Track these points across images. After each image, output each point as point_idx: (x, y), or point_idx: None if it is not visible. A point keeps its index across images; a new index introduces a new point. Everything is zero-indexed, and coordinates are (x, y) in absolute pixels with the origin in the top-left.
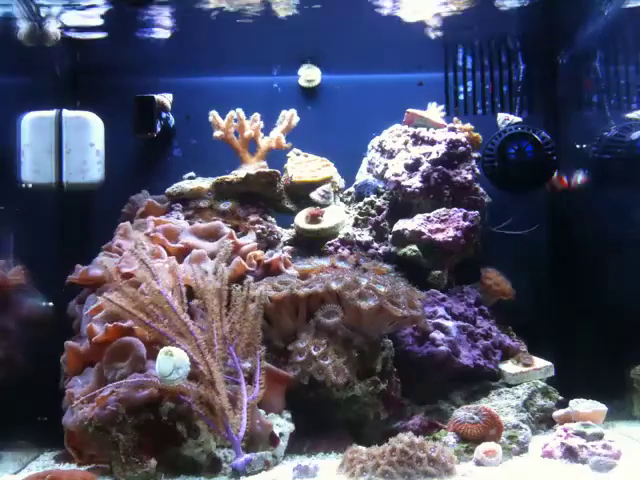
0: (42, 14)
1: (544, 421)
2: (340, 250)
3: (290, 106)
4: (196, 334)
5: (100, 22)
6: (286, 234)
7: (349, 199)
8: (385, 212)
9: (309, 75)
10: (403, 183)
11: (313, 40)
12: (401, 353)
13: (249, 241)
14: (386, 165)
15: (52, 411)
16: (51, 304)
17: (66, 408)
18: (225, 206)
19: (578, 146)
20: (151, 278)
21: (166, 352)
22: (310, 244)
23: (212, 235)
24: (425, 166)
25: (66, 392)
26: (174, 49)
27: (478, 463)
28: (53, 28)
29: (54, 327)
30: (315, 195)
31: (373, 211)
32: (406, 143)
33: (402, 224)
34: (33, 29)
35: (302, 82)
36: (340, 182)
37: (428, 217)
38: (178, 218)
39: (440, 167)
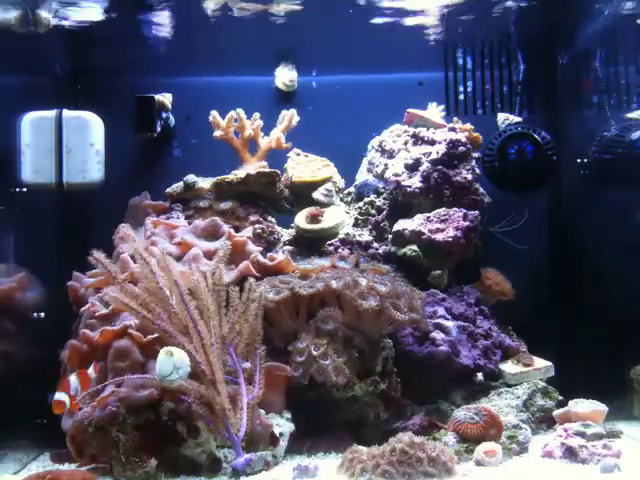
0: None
1: (544, 421)
2: (340, 250)
3: (289, 106)
4: (202, 332)
5: (100, 22)
6: (286, 234)
7: (349, 199)
8: (385, 212)
9: (289, 76)
10: (403, 183)
11: (314, 41)
12: (401, 353)
13: (245, 235)
14: (386, 165)
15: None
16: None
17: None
18: (225, 206)
19: (578, 146)
20: (155, 275)
21: (166, 352)
22: (310, 244)
23: (211, 234)
24: (425, 166)
25: None
26: (174, 48)
27: (478, 463)
28: (45, 14)
29: (54, 327)
30: (318, 194)
31: (373, 211)
32: (406, 143)
33: (402, 224)
34: (25, 14)
35: (279, 84)
36: (340, 182)
37: (428, 217)
38: (178, 218)
39: (440, 167)
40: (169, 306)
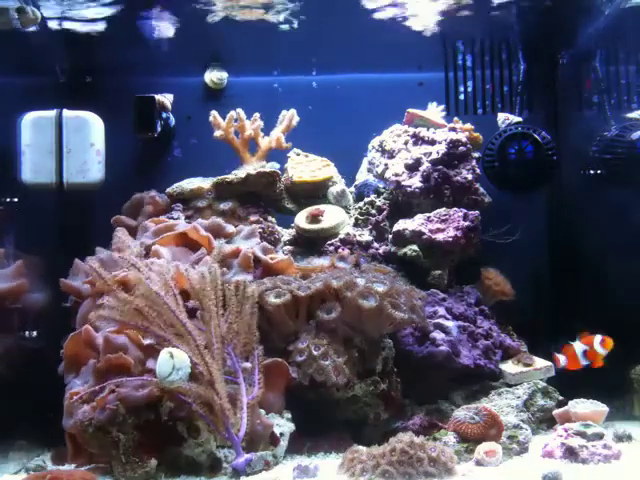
0: None
1: (544, 421)
2: (340, 250)
3: (290, 105)
4: (195, 334)
5: (101, 22)
6: (286, 234)
7: None
8: (385, 212)
9: (217, 74)
10: (403, 183)
11: (315, 43)
12: (401, 353)
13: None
14: (386, 165)
15: (54, 410)
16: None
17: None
18: (225, 206)
19: (578, 146)
20: (145, 280)
21: (166, 353)
22: (310, 244)
23: (213, 234)
24: (425, 166)
25: (65, 395)
26: (175, 48)
27: (478, 463)
28: (32, 10)
29: (53, 327)
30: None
31: (373, 211)
32: (406, 143)
33: (402, 224)
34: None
35: (207, 81)
36: (340, 182)
37: (428, 217)
38: (178, 218)
39: (440, 167)
40: (165, 310)
